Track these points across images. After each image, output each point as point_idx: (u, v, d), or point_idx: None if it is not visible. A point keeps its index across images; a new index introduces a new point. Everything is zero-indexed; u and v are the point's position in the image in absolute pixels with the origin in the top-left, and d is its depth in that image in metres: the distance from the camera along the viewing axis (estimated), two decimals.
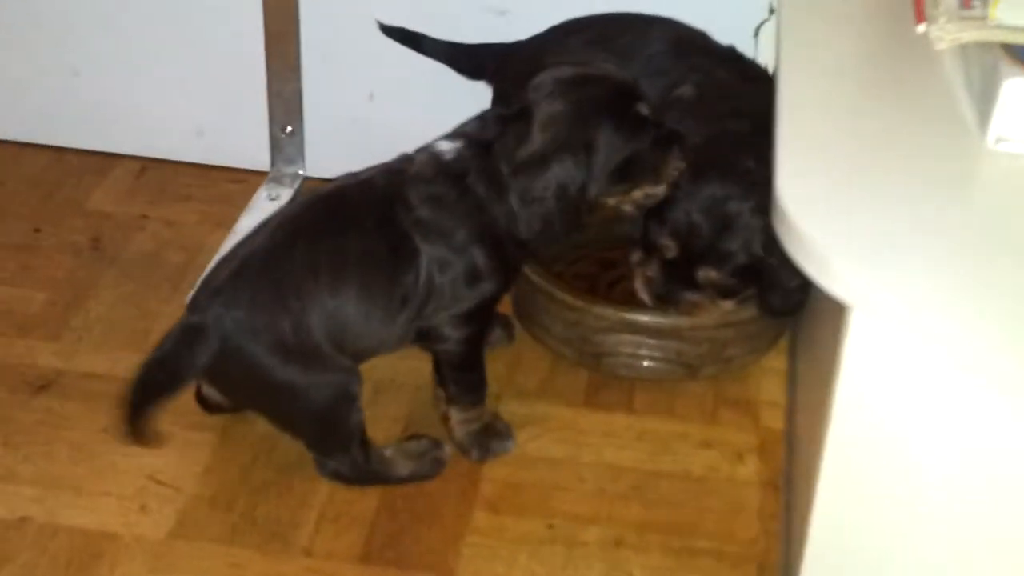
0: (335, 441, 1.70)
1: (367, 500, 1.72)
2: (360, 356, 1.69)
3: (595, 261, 2.08)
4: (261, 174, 2.33)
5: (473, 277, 1.67)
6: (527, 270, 1.86)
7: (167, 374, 1.61)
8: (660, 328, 1.86)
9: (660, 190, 1.70)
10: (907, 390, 1.19)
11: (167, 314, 1.98)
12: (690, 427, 1.87)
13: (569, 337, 1.91)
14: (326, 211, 1.68)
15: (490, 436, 1.80)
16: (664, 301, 1.82)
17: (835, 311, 1.28)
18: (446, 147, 1.68)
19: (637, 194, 1.70)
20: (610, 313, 1.86)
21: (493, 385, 1.90)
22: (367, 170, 1.72)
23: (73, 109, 2.34)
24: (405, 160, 1.71)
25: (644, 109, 1.66)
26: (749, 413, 1.89)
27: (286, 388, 1.63)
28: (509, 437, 1.81)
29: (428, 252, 1.65)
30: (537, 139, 1.62)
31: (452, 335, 1.71)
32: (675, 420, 1.88)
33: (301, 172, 2.31)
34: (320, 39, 2.20)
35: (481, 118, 1.68)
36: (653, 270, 1.82)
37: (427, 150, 1.70)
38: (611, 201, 1.69)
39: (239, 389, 1.70)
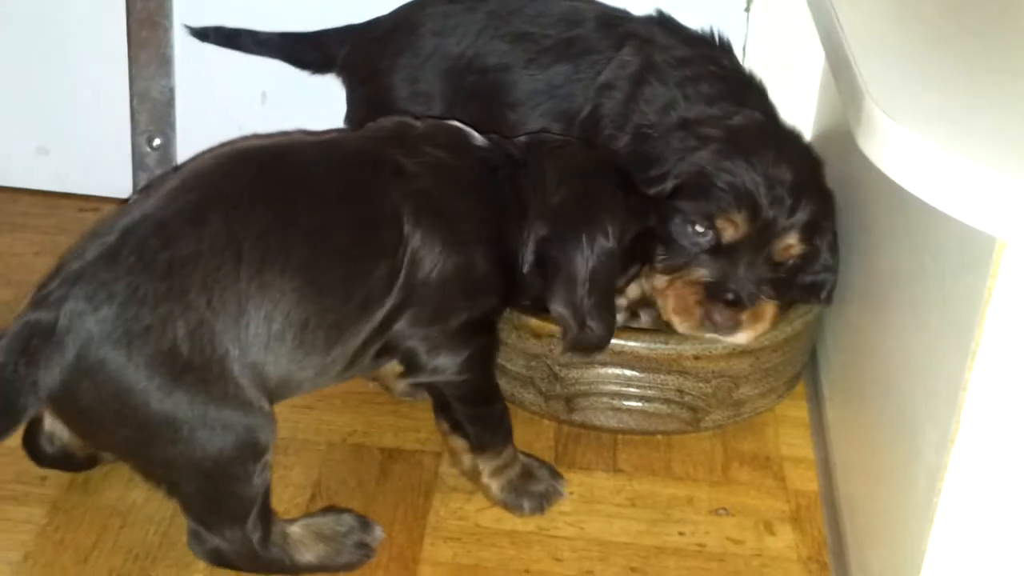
0: (227, 509, 1.21)
1: None
2: (282, 391, 1.23)
3: None
4: (121, 201, 1.84)
5: (469, 283, 1.27)
6: None
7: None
8: (656, 357, 1.40)
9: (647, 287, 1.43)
10: None
11: None
12: (696, 489, 1.40)
13: (531, 376, 1.44)
14: (262, 171, 1.23)
15: (529, 481, 1.36)
16: (732, 308, 1.36)
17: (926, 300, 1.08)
18: (474, 133, 1.34)
19: (634, 291, 1.42)
20: None
21: (431, 443, 1.42)
22: (324, 132, 1.33)
23: None
24: (386, 126, 1.33)
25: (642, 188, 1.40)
26: (771, 471, 1.44)
27: (168, 424, 1.15)
28: (556, 476, 1.38)
29: (418, 238, 1.23)
30: (555, 187, 1.33)
31: (449, 363, 1.28)
32: (675, 481, 1.42)
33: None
34: (197, 24, 1.77)
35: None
36: (702, 272, 1.37)
37: (438, 124, 1.35)
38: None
39: (99, 424, 1.18)
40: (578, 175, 1.34)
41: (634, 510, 1.36)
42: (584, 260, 1.30)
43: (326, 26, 1.70)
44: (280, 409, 1.37)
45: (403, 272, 1.22)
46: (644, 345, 1.39)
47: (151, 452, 1.18)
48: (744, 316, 1.36)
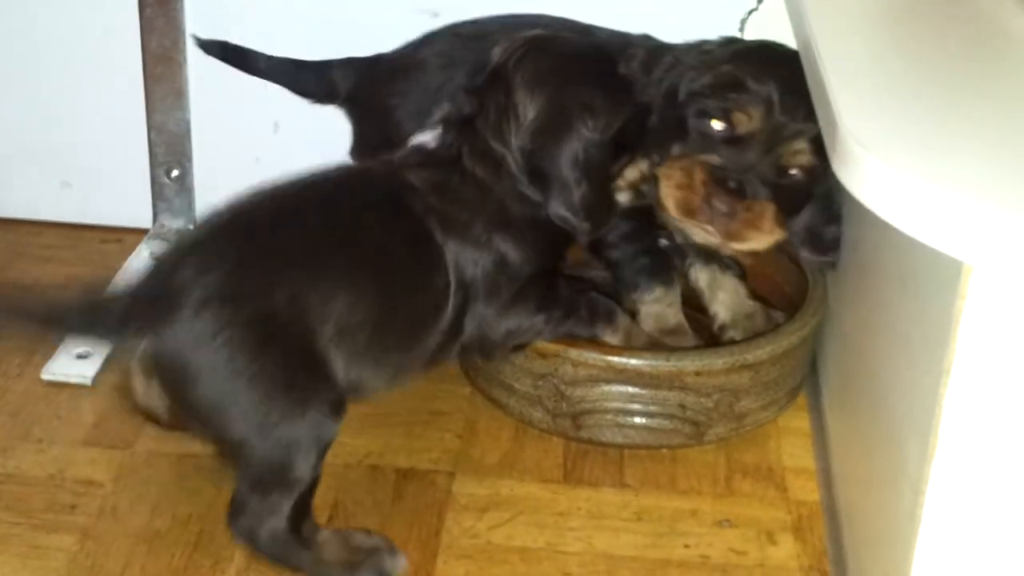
0: (280, 478, 1.27)
1: None
2: (353, 389, 1.33)
3: None
4: (141, 232, 1.91)
5: (512, 270, 1.38)
6: None
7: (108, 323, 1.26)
8: (657, 374, 1.44)
9: (646, 168, 1.45)
10: None
11: (18, 392, 1.58)
12: (700, 502, 1.45)
13: (539, 395, 1.49)
14: (337, 188, 1.36)
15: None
16: (732, 196, 1.37)
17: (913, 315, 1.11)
18: (426, 138, 1.41)
19: (632, 173, 1.42)
20: (593, 358, 1.45)
21: (443, 463, 1.47)
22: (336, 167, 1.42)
23: None
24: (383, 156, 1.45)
25: (624, 69, 1.45)
26: (773, 482, 1.48)
27: (253, 384, 1.24)
28: None
29: (452, 248, 1.35)
30: (528, 106, 1.36)
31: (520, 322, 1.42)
32: (679, 495, 1.46)
33: (191, 227, 1.90)
34: (211, 58, 1.81)
35: (452, 99, 1.44)
36: (711, 157, 1.38)
37: (406, 147, 1.44)
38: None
39: (190, 382, 1.25)
40: (547, 78, 1.37)
41: (640, 524, 1.41)
42: (570, 158, 1.36)
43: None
44: None
45: (452, 277, 1.34)
46: (645, 362, 1.44)
47: (232, 411, 1.25)
48: (741, 208, 1.37)
